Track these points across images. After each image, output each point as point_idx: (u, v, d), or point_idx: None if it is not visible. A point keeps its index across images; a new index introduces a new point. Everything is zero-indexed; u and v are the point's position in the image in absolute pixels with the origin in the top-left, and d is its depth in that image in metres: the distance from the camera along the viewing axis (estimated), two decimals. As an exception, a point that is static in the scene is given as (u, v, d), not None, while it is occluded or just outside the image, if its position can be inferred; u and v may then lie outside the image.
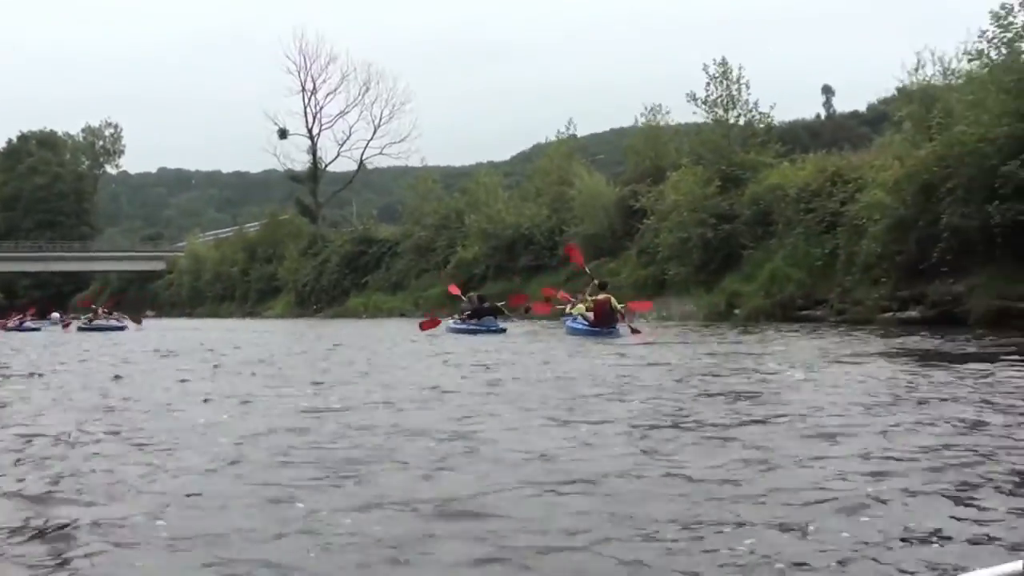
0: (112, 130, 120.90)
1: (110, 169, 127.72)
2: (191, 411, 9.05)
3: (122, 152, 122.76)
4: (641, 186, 39.83)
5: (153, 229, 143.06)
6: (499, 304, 28.43)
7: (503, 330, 25.05)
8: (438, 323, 26.69)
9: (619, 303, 22.63)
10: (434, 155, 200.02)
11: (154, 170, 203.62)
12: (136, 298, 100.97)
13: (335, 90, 79.20)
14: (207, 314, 79.44)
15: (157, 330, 39.32)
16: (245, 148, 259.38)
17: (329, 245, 68.42)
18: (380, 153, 75.97)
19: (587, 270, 28.55)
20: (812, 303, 27.04)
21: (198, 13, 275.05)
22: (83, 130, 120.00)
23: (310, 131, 77.19)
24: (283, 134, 76.97)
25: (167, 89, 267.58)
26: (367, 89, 77.76)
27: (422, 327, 26.02)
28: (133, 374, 14.36)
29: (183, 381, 12.69)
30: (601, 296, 22.16)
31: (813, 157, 32.11)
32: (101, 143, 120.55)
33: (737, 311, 29.44)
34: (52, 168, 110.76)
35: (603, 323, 21.29)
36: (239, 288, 79.98)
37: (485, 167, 61.20)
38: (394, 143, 77.22)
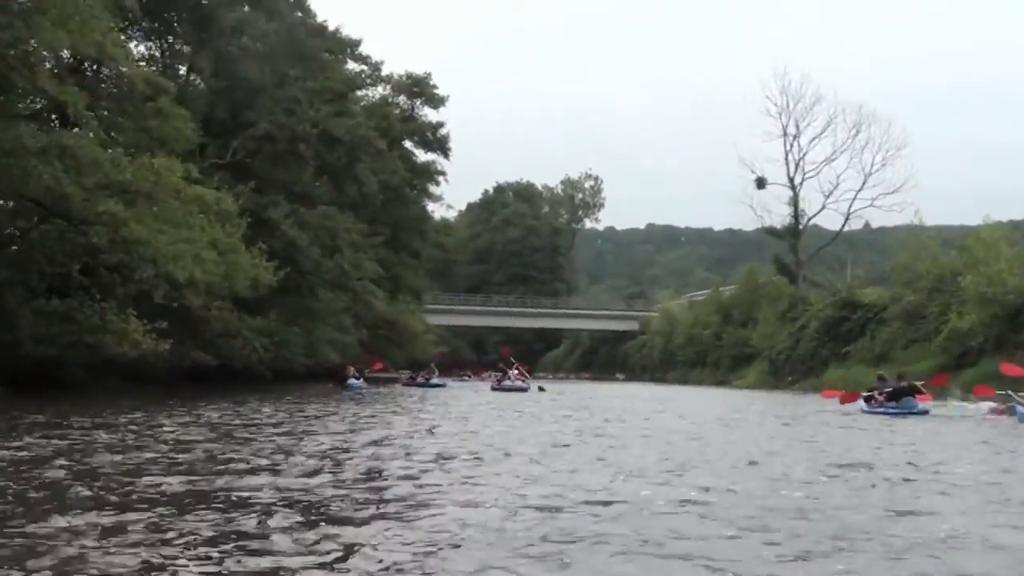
0: (592, 182, 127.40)
1: (589, 223, 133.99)
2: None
3: (602, 205, 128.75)
4: None
5: (637, 287, 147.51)
6: (919, 383, 27.95)
7: (926, 412, 25.18)
8: (853, 398, 29.40)
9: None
10: (935, 214, 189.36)
11: (642, 226, 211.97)
12: (606, 359, 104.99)
13: (820, 134, 76.77)
14: (677, 380, 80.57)
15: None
16: (738, 205, 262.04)
17: (809, 309, 66.63)
18: (870, 205, 73.14)
19: None
20: None
21: (681, 66, 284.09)
22: (562, 182, 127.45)
23: (791, 180, 75.93)
24: (761, 183, 76.36)
25: (652, 141, 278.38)
26: (857, 132, 75.19)
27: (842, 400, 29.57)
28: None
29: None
30: None
31: None
32: (580, 196, 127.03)
33: None
34: (527, 220, 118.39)
35: None
36: (711, 353, 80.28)
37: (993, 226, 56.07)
38: (887, 194, 73.66)
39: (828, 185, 78.12)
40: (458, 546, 6.10)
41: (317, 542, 6.13)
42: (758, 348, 70.50)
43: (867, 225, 75.13)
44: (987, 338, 44.90)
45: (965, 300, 47.86)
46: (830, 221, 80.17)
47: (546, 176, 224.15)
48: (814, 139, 77.23)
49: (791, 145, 77.01)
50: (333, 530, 6.51)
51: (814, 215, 76.54)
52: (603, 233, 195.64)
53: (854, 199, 75.07)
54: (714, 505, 7.99)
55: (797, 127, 76.94)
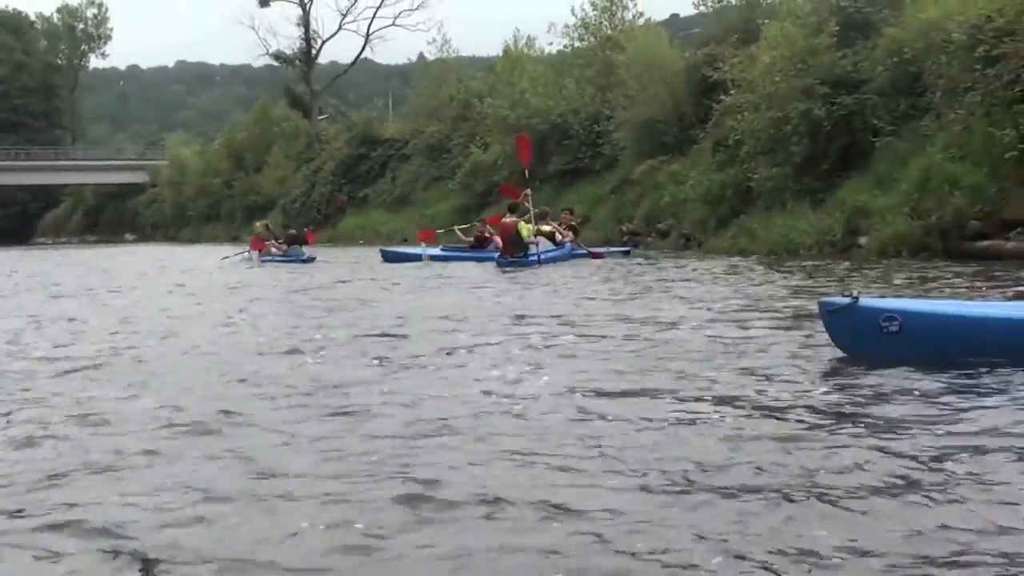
0: (96, 11, 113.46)
1: (96, 60, 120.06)
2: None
3: (108, 38, 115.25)
4: (724, 47, 30.24)
5: (167, 134, 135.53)
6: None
7: (312, 259, 26.66)
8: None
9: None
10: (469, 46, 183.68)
11: (171, 64, 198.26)
12: (114, 218, 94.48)
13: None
14: (190, 238, 72.16)
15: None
16: (279, 40, 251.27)
17: (326, 148, 60.02)
18: (393, 24, 66.37)
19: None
20: (997, 227, 17.63)
21: None
22: (59, 10, 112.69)
23: (300, -4, 67.57)
24: (264, 1, 67.62)
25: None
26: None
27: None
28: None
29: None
30: (507, 219, 21.57)
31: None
32: (82, 27, 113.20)
33: (862, 240, 20.23)
34: (15, 56, 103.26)
35: (511, 251, 21.06)
36: (224, 205, 72.24)
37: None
38: (411, 10, 66.92)
39: (346, 2, 71.00)
40: None
41: None
42: (272, 196, 63.34)
43: (422, 58, 68.29)
44: (511, 172, 39.82)
45: (490, 129, 42.93)
46: (393, 55, 73.14)
47: (40, 4, 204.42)
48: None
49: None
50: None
51: (329, 37, 68.79)
52: (125, 73, 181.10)
53: (373, 17, 67.98)
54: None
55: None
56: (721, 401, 5.75)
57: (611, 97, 34.38)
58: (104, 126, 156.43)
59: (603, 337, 8.58)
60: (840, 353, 7.06)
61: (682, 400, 5.80)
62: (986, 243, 17.59)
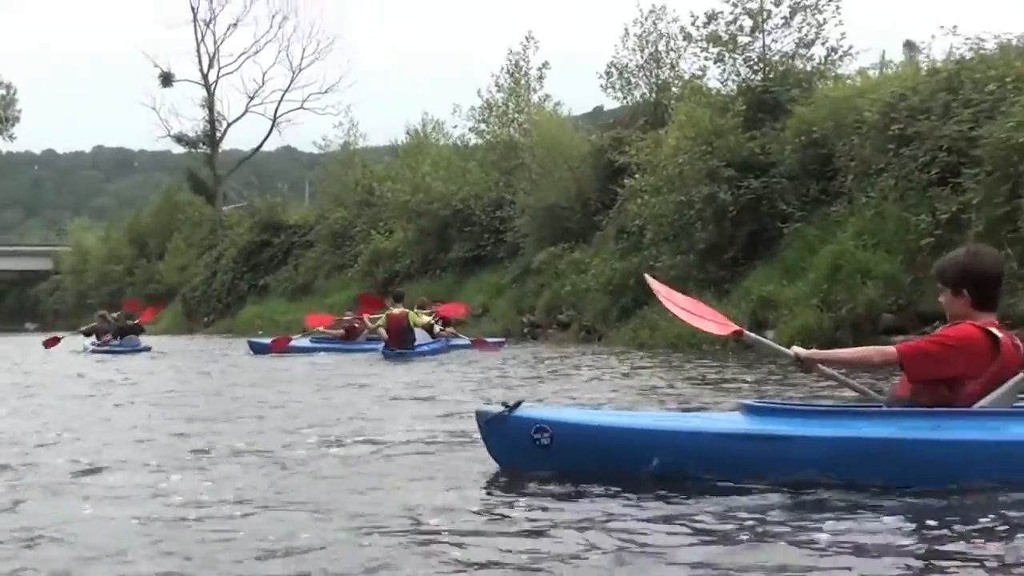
0: (3, 91, 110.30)
1: (4, 143, 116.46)
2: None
3: (16, 120, 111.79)
4: (631, 131, 28.80)
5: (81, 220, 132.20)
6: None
7: (147, 348, 25.77)
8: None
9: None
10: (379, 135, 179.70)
11: (88, 149, 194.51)
12: (15, 306, 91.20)
13: (237, 21, 66.02)
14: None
15: None
16: (182, 122, 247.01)
17: (228, 235, 57.77)
18: (301, 107, 64.12)
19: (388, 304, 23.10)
20: (913, 321, 15.97)
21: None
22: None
23: (205, 77, 65.23)
24: (167, 80, 65.07)
25: (109, 53, 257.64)
26: (284, 19, 66.30)
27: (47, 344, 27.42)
28: None
29: None
30: (396, 310, 20.33)
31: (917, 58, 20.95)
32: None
33: (770, 334, 18.51)
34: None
35: (399, 343, 19.73)
36: (126, 293, 69.31)
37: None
38: (320, 93, 64.57)
39: (254, 84, 68.76)
40: None
41: None
42: (173, 284, 60.88)
43: (347, 146, 65.89)
44: (412, 261, 38.11)
45: (393, 215, 41.30)
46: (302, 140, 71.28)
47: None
48: (231, 26, 66.39)
49: (204, 33, 65.75)
50: None
51: (235, 120, 66.15)
52: (40, 158, 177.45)
53: (281, 99, 65.52)
54: None
55: (212, 9, 65.90)
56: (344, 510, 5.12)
57: (514, 182, 32.78)
58: (16, 212, 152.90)
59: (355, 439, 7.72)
60: (496, 466, 6.26)
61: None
62: (900, 338, 15.94)
